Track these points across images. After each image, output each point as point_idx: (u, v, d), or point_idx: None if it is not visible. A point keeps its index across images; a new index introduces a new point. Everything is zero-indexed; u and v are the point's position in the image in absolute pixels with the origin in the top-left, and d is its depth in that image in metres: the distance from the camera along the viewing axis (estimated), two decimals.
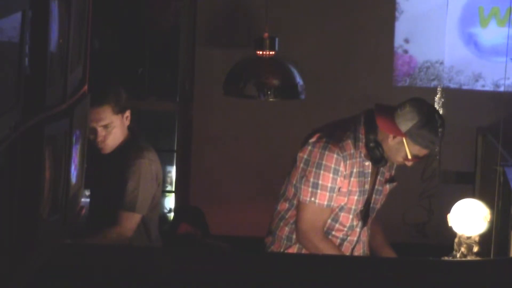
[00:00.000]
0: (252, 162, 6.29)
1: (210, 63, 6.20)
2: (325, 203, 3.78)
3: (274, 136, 6.22)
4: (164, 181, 6.22)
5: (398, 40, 6.24)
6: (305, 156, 3.81)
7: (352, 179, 3.81)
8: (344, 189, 3.80)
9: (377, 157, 3.79)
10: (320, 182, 3.76)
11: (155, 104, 6.51)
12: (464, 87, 6.25)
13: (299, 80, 4.96)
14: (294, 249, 3.93)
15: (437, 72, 6.25)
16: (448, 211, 3.94)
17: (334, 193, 3.78)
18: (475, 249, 3.86)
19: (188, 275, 2.87)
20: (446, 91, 6.24)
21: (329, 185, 3.76)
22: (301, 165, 3.82)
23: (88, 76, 2.35)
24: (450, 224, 3.92)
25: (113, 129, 3.99)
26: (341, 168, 3.76)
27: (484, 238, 3.93)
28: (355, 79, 6.20)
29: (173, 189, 6.54)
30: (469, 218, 3.86)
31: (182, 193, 6.48)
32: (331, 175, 3.76)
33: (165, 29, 6.44)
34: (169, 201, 6.59)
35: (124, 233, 3.96)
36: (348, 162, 3.77)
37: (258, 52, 4.90)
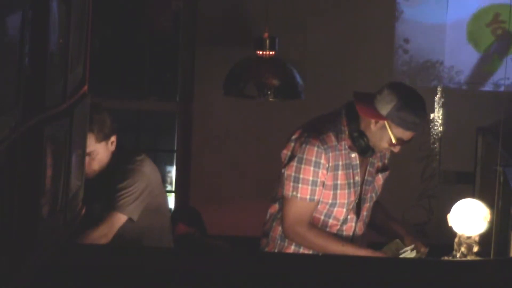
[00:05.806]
0: (252, 162, 6.29)
1: (210, 63, 6.20)
2: (308, 197, 3.76)
3: (274, 136, 6.21)
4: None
5: (398, 40, 6.24)
6: (288, 153, 3.81)
7: (339, 172, 3.78)
8: (329, 183, 3.77)
9: (363, 146, 3.77)
10: (301, 176, 3.74)
11: (155, 104, 6.51)
12: (464, 87, 6.25)
13: (299, 80, 4.96)
14: (290, 250, 3.90)
15: (437, 72, 6.25)
16: (448, 211, 3.93)
17: (317, 187, 3.75)
18: (475, 249, 3.85)
19: (188, 275, 2.87)
20: (446, 91, 6.24)
21: (311, 178, 3.75)
22: (285, 162, 3.82)
23: (88, 76, 2.35)
24: (450, 224, 3.91)
25: (96, 155, 3.96)
26: (323, 161, 3.74)
27: (484, 238, 3.92)
28: (355, 79, 6.19)
29: (173, 189, 6.54)
30: (469, 218, 3.85)
31: (182, 193, 6.48)
32: (312, 168, 3.74)
33: (165, 29, 6.44)
34: (169, 201, 6.59)
35: (103, 231, 3.89)
36: (330, 154, 3.75)
37: (258, 52, 4.91)
